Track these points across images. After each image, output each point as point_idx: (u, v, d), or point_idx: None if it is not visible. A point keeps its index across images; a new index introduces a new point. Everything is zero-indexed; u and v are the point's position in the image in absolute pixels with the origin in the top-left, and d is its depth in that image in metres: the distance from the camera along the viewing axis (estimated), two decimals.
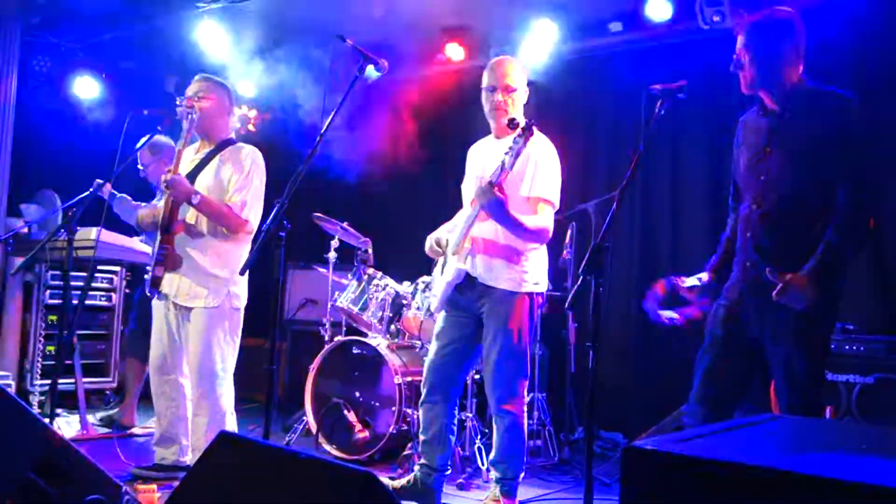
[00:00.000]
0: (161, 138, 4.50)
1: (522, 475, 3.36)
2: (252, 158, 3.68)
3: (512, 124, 3.12)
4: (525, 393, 3.31)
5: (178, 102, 3.68)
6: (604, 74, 5.57)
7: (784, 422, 1.81)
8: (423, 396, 3.40)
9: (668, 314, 2.91)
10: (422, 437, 3.40)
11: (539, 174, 3.23)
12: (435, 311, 3.45)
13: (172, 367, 3.70)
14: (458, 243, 3.28)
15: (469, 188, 3.41)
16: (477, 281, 3.27)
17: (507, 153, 3.03)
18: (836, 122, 2.60)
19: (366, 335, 4.74)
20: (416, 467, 3.43)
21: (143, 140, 3.82)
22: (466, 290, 3.31)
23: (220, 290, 3.58)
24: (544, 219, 3.23)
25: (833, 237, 2.55)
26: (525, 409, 3.32)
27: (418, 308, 4.60)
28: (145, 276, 3.68)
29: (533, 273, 3.30)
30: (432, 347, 3.42)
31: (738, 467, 1.24)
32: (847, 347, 3.86)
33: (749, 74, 2.73)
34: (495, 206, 3.04)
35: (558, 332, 5.16)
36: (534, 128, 3.04)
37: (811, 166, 2.62)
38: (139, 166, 4.73)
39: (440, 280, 3.39)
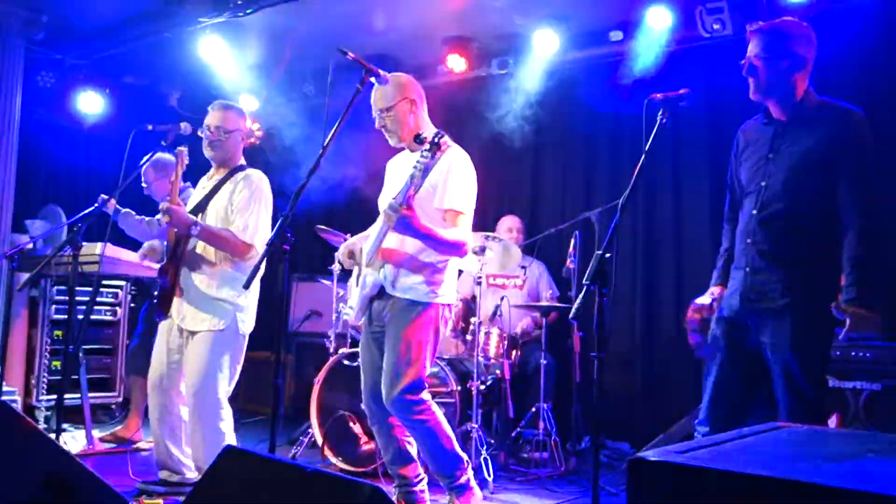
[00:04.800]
0: (165, 156, 4.53)
1: (469, 469, 3.32)
2: (255, 183, 3.68)
3: (418, 139, 3.10)
4: (424, 396, 3.23)
5: (200, 134, 3.74)
6: (605, 83, 5.58)
7: (790, 431, 1.80)
8: (368, 420, 3.42)
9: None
10: (384, 460, 3.42)
11: (451, 185, 3.21)
12: (353, 322, 3.44)
13: (170, 387, 3.67)
14: (371, 255, 3.28)
15: (383, 202, 3.38)
16: (385, 292, 3.27)
17: (415, 167, 3.04)
18: (842, 133, 2.62)
19: None
20: (394, 489, 3.41)
21: (147, 157, 3.84)
22: (378, 300, 3.32)
23: (226, 314, 3.57)
24: (460, 231, 3.21)
25: (863, 257, 2.54)
26: (431, 407, 3.24)
27: None
28: (153, 300, 3.71)
29: (441, 285, 3.28)
30: (362, 370, 3.43)
31: (745, 478, 1.24)
32: (854, 354, 3.85)
33: (761, 81, 2.73)
34: (403, 225, 3.03)
35: (563, 342, 5.15)
36: (443, 140, 3.05)
37: (813, 173, 2.63)
38: (143, 184, 4.75)
39: (356, 291, 3.40)
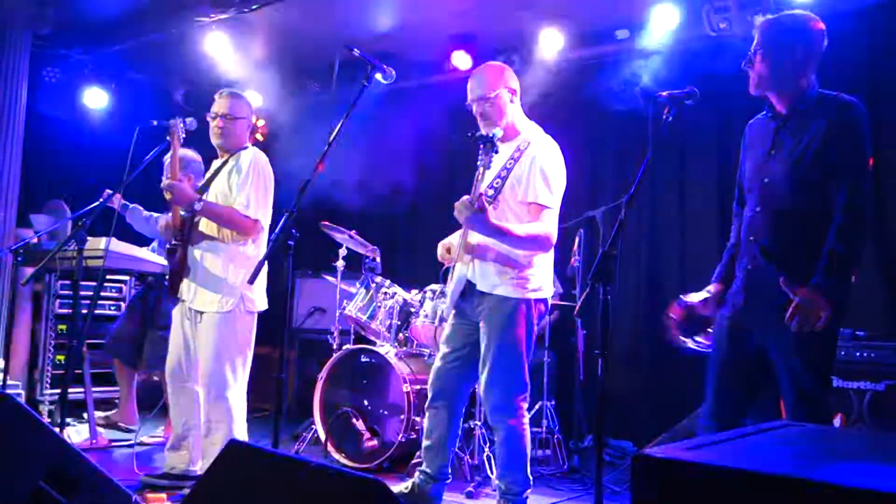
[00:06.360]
0: (187, 152, 4.53)
1: (530, 490, 3.25)
2: (253, 159, 3.71)
3: (471, 137, 3.07)
4: (523, 404, 3.20)
5: (208, 118, 3.78)
6: (611, 81, 5.57)
7: (795, 429, 1.80)
8: (427, 402, 3.39)
9: (695, 341, 2.88)
10: (424, 443, 3.39)
11: (537, 179, 3.14)
12: (446, 315, 3.44)
13: (188, 374, 3.72)
14: (458, 250, 3.25)
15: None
16: (475, 287, 3.23)
17: (479, 163, 3.02)
18: (839, 125, 2.59)
19: (374, 343, 4.74)
20: (416, 473, 3.41)
21: (152, 152, 3.85)
22: (468, 297, 3.26)
23: (233, 294, 3.60)
24: (542, 225, 3.11)
25: (836, 245, 2.52)
26: (525, 420, 3.21)
27: (426, 316, 4.60)
28: (149, 279, 3.75)
29: (533, 279, 3.19)
30: (439, 353, 3.39)
31: (749, 475, 1.24)
32: (858, 354, 3.83)
33: (758, 74, 2.71)
34: (474, 222, 3.00)
35: (567, 340, 5.15)
36: (495, 140, 3.02)
37: (814, 169, 2.61)
38: (163, 178, 4.76)
39: (450, 286, 3.39)
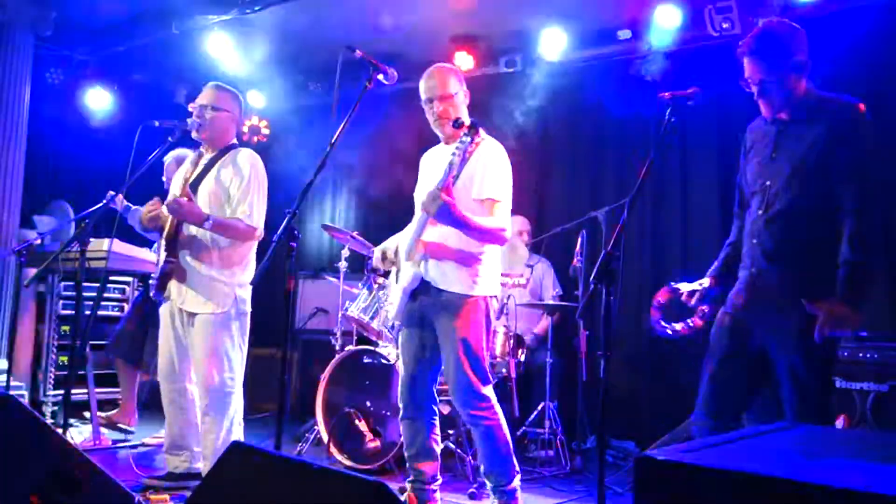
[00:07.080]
0: (186, 152, 4.53)
1: (518, 478, 3.29)
2: (250, 162, 3.69)
3: (457, 123, 3.11)
4: (491, 394, 3.24)
5: (189, 109, 3.74)
6: (613, 82, 5.57)
7: (797, 431, 1.80)
8: (401, 412, 3.39)
9: (672, 327, 2.89)
10: (407, 453, 3.39)
11: (488, 175, 3.20)
12: (394, 320, 3.44)
13: (181, 374, 3.70)
14: (410, 249, 3.26)
15: (420, 195, 3.37)
16: (430, 285, 3.24)
17: (453, 154, 3.03)
18: (842, 128, 2.60)
19: (376, 344, 4.73)
20: (408, 485, 3.40)
21: (155, 152, 3.85)
22: (422, 296, 3.27)
23: (226, 295, 3.59)
24: (499, 219, 3.19)
25: (851, 255, 2.52)
26: (497, 409, 3.25)
27: None
28: (150, 281, 3.73)
29: (486, 275, 3.27)
30: (401, 362, 3.41)
31: (752, 478, 1.23)
32: (861, 355, 3.83)
33: (774, 100, 2.71)
34: (444, 212, 3.01)
35: (569, 341, 5.14)
36: (480, 129, 3.07)
37: (817, 171, 2.62)
38: (163, 178, 4.75)
39: (396, 288, 3.37)
